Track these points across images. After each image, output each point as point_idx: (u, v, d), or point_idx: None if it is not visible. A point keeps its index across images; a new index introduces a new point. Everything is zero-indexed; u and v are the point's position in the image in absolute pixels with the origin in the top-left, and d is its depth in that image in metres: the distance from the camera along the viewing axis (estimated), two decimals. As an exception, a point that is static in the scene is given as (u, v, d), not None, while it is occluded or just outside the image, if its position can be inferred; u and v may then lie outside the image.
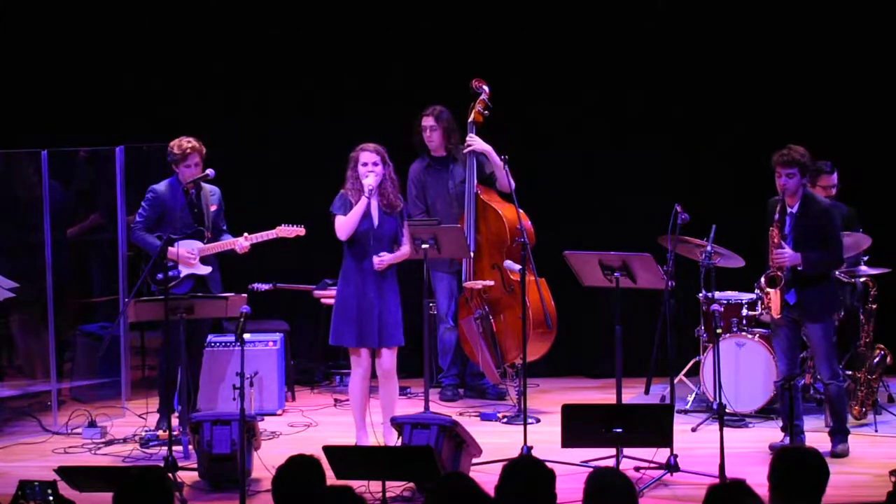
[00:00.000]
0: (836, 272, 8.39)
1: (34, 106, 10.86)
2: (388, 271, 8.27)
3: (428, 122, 9.82)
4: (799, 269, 8.03)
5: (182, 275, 8.73)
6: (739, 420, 9.01)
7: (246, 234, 8.81)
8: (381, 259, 8.20)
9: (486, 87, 9.71)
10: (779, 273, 8.08)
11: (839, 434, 8.17)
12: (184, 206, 8.79)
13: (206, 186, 8.86)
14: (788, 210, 8.10)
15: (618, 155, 10.73)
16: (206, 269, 8.82)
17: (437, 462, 6.69)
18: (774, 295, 8.13)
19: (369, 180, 8.12)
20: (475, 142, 9.65)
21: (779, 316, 8.19)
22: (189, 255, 8.72)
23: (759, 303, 9.28)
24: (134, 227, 8.90)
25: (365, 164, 8.16)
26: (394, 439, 8.11)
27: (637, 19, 10.72)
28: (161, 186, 8.86)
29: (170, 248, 8.66)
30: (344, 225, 8.16)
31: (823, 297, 8.12)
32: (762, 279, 8.23)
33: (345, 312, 8.21)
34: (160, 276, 8.57)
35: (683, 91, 10.70)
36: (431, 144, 9.84)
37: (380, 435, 8.36)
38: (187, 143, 8.75)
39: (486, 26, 10.79)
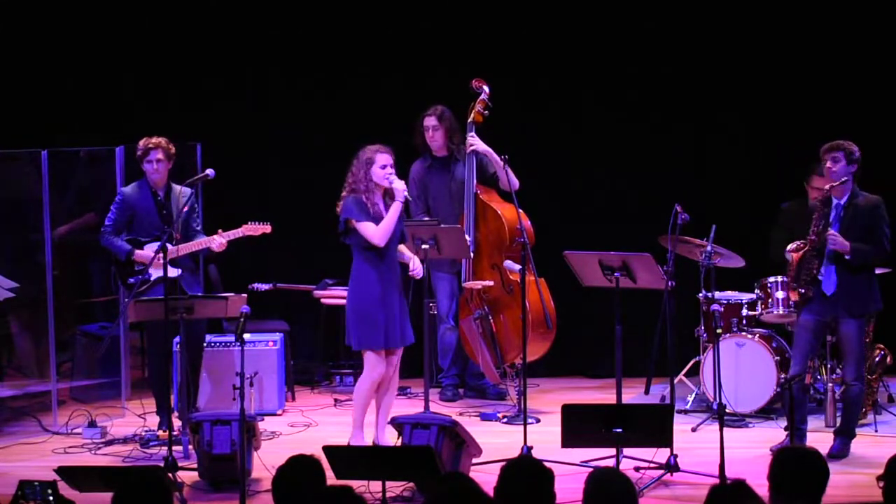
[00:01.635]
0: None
1: (34, 106, 10.87)
2: (398, 270, 8.29)
3: (430, 121, 9.81)
4: (847, 258, 8.00)
5: (152, 278, 8.67)
6: (739, 420, 9.01)
7: (220, 231, 8.75)
8: (418, 268, 8.35)
9: (486, 87, 9.71)
10: (804, 245, 8.08)
11: (844, 436, 8.15)
12: (151, 208, 8.75)
13: (177, 187, 8.77)
14: (835, 202, 8.09)
15: (618, 154, 10.73)
16: (174, 272, 8.68)
17: (437, 462, 6.68)
18: (794, 260, 8.13)
19: (401, 185, 8.12)
20: (477, 142, 9.65)
21: (792, 292, 8.18)
22: (158, 259, 8.59)
23: (759, 303, 9.30)
24: (103, 231, 8.81)
25: (384, 167, 8.11)
26: (388, 439, 8.12)
27: (637, 18, 10.73)
28: (129, 189, 8.82)
29: (138, 252, 8.63)
30: (382, 232, 8.07)
31: (865, 288, 8.06)
32: (792, 245, 8.17)
33: (370, 316, 8.11)
34: (132, 279, 8.55)
35: (684, 91, 10.70)
36: (434, 145, 9.84)
37: (371, 434, 8.33)
38: (151, 139, 8.70)
39: (486, 26, 10.79)
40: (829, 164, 8.04)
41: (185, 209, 8.70)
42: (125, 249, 8.67)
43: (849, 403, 8.24)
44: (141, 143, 8.74)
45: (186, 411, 8.44)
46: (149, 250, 8.64)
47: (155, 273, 8.61)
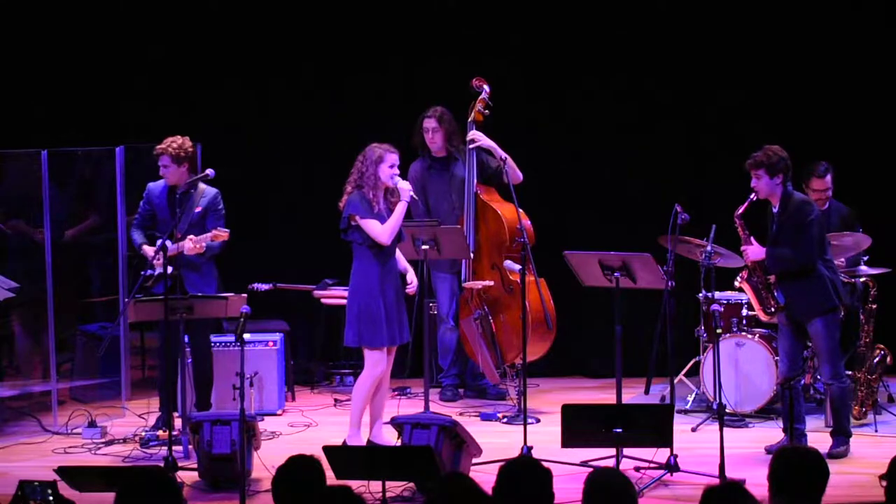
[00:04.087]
0: (824, 268, 8.05)
1: (34, 106, 10.87)
2: (397, 269, 8.34)
3: (430, 123, 9.79)
4: (766, 265, 8.06)
5: (154, 273, 8.72)
6: (739, 420, 9.01)
7: (191, 237, 8.72)
8: (414, 285, 8.49)
9: (486, 87, 9.70)
10: (745, 272, 8.15)
11: (840, 435, 8.16)
12: (163, 206, 8.81)
13: (201, 186, 8.80)
14: (773, 210, 8.12)
15: (618, 154, 10.73)
16: (168, 269, 8.75)
17: (437, 462, 6.68)
18: (748, 291, 8.20)
19: (406, 185, 8.19)
20: (480, 138, 9.63)
21: (766, 317, 8.24)
22: (150, 255, 8.65)
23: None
24: (132, 223, 8.99)
25: (392, 166, 8.16)
26: (386, 438, 8.13)
27: (638, 18, 10.73)
28: (154, 185, 8.91)
29: (144, 247, 8.74)
30: (389, 230, 8.11)
31: (807, 293, 8.00)
32: (736, 279, 8.31)
33: (374, 313, 8.13)
34: (144, 273, 8.61)
35: (684, 90, 10.70)
36: (433, 146, 9.82)
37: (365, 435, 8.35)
38: (161, 145, 8.75)
39: (486, 25, 10.79)
40: (753, 181, 8.06)
41: (199, 210, 8.73)
42: (136, 243, 8.84)
43: (833, 404, 8.25)
44: (157, 147, 8.78)
45: (186, 411, 8.45)
46: (152, 248, 8.67)
47: (158, 270, 8.68)
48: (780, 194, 8.04)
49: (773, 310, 8.17)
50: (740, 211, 8.15)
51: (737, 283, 8.39)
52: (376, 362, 8.20)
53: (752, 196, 8.09)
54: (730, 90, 10.67)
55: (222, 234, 8.72)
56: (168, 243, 8.62)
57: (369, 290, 8.16)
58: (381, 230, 8.10)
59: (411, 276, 8.54)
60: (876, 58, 10.58)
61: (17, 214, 10.10)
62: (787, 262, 8.01)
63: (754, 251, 8.10)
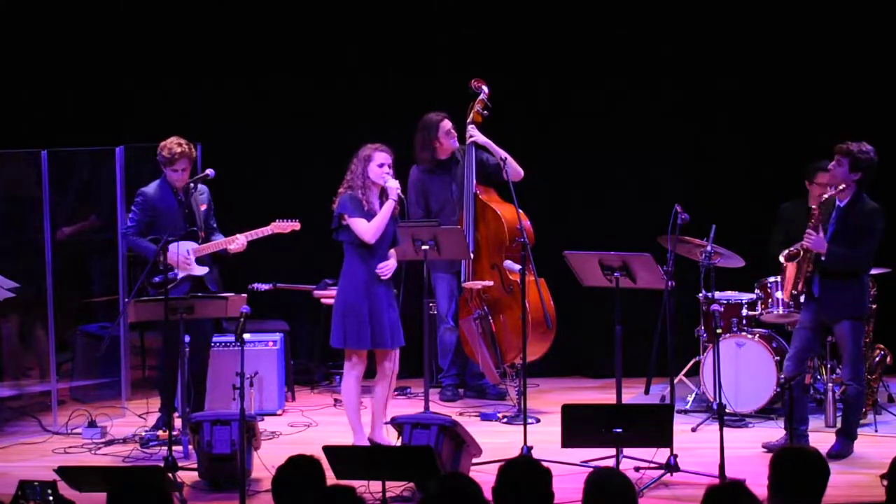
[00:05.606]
0: (866, 276, 8.15)
1: (34, 106, 10.87)
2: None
3: (449, 123, 9.68)
4: (822, 258, 8.04)
5: (179, 276, 8.70)
6: (739, 420, 9.01)
7: (246, 232, 8.78)
8: (387, 266, 8.16)
9: (485, 88, 9.70)
10: (799, 251, 8.11)
11: (844, 436, 8.16)
12: (175, 208, 8.75)
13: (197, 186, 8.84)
14: (837, 203, 8.10)
15: (618, 155, 10.73)
16: (202, 270, 8.76)
17: (437, 462, 6.68)
18: (790, 269, 8.17)
19: (394, 184, 8.11)
20: (476, 134, 9.61)
21: (787, 297, 8.20)
22: (185, 258, 8.67)
23: (759, 303, 9.31)
24: (126, 233, 8.83)
25: (382, 165, 8.11)
26: (386, 437, 8.12)
27: (638, 18, 10.72)
28: (150, 189, 8.81)
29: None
30: (374, 229, 8.06)
31: (843, 294, 8.04)
32: (784, 252, 8.25)
33: (357, 315, 8.11)
34: (157, 278, 8.54)
35: (684, 90, 10.70)
36: (455, 144, 9.69)
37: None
38: (177, 146, 8.67)
39: (487, 26, 10.79)
40: (832, 164, 8.08)
41: (204, 207, 8.75)
42: (152, 250, 8.62)
43: (846, 404, 8.26)
44: (165, 150, 8.67)
45: (188, 411, 8.45)
46: (172, 251, 8.62)
47: (181, 272, 8.69)
48: (851, 192, 8.03)
49: (796, 292, 8.15)
50: (824, 199, 8.15)
51: (782, 258, 8.31)
52: (354, 364, 8.20)
53: (827, 185, 8.11)
54: (730, 90, 10.66)
55: (294, 224, 8.74)
56: (193, 245, 8.64)
57: (355, 291, 8.13)
58: (365, 228, 8.06)
59: (388, 264, 8.19)
60: (877, 58, 10.57)
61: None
62: (847, 261, 8.03)
63: (817, 241, 8.06)
